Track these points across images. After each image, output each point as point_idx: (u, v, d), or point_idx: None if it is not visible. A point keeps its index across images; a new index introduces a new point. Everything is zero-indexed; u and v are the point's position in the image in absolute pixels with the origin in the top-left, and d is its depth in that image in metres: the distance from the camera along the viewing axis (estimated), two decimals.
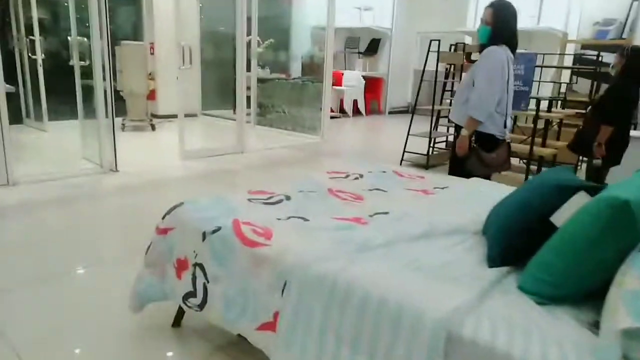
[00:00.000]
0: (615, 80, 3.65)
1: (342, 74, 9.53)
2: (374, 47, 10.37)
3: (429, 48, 5.40)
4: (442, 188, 2.29)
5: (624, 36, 7.44)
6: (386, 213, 1.86)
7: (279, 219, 1.76)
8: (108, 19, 4.23)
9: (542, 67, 5.74)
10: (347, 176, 2.49)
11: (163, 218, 1.93)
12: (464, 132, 2.75)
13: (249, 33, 6.14)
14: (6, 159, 3.81)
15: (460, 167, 2.83)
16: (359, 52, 10.24)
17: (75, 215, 3.45)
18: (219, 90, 9.39)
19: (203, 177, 4.69)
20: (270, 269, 1.49)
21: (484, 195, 2.11)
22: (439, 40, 5.36)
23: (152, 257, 1.92)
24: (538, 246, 1.33)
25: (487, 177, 2.84)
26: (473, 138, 2.76)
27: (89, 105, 4.87)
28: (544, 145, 4.50)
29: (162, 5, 7.56)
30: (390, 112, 10.72)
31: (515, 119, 5.02)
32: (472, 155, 2.75)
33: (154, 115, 7.40)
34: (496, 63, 2.68)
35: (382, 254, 1.45)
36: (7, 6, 6.26)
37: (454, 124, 3.01)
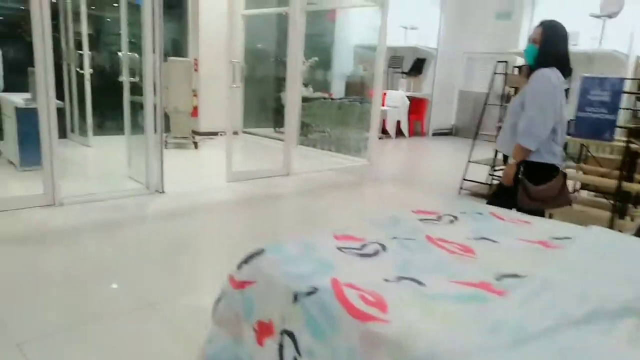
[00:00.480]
0: None
1: (385, 93, 9.24)
2: (418, 66, 10.07)
3: (494, 69, 5.03)
4: (562, 239, 1.93)
5: None
6: (516, 276, 1.51)
7: (386, 281, 1.44)
8: (160, 35, 4.06)
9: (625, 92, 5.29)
10: (440, 218, 2.15)
11: (239, 267, 1.63)
12: (512, 160, 2.59)
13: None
14: (54, 180, 3.63)
15: (503, 199, 2.59)
16: (403, 72, 9.95)
17: (121, 244, 3.21)
18: (260, 108, 9.24)
19: (252, 201, 4.43)
20: (393, 356, 1.16)
21: (627, 251, 1.73)
22: (506, 62, 5.00)
23: (224, 314, 1.62)
24: None
25: (540, 213, 2.59)
26: (521, 170, 2.56)
27: (135, 122, 4.71)
28: (629, 179, 4.06)
29: (207, 21, 7.46)
30: (434, 134, 10.33)
31: (565, 147, 4.60)
32: (519, 189, 2.56)
33: (195, 132, 7.25)
34: (547, 86, 2.49)
35: (544, 349, 1.10)
36: (57, 21, 6.25)
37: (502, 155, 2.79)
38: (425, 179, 6.23)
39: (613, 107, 3.89)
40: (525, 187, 2.54)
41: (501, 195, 2.71)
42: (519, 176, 2.56)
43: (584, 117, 4.04)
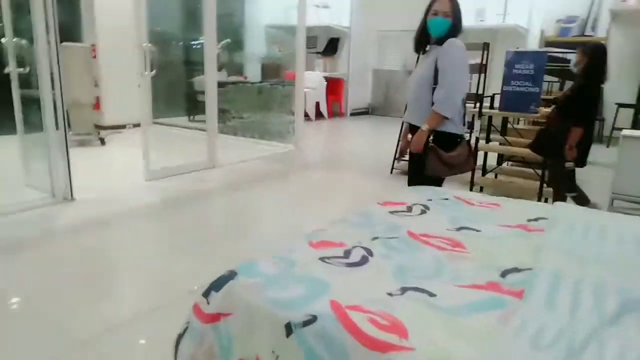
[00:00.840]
0: (579, 79, 3.49)
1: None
2: (333, 46, 9.95)
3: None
4: (537, 220, 1.87)
5: (586, 33, 7.52)
6: (517, 270, 1.39)
7: (391, 295, 1.25)
8: (55, 16, 3.45)
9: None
10: (410, 208, 2.00)
11: (207, 296, 1.34)
12: (425, 127, 2.53)
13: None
14: None
15: (419, 170, 2.60)
16: (318, 52, 9.77)
17: (26, 268, 2.69)
18: (170, 96, 8.56)
19: (179, 201, 4.01)
20: None
21: (605, 229, 1.70)
22: None
23: (194, 354, 1.33)
24: None
25: (440, 182, 2.69)
26: (431, 138, 2.54)
27: (28, 119, 4.04)
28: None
29: (103, 2, 6.67)
30: (352, 114, 10.34)
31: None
32: (430, 155, 2.53)
33: (99, 127, 6.50)
34: (463, 55, 2.54)
35: (599, 356, 0.98)
36: None
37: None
38: (355, 161, 6.15)
39: (537, 80, 4.02)
40: (438, 154, 2.53)
41: (416, 169, 2.68)
42: (430, 144, 2.53)
43: (509, 90, 4.15)
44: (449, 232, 1.73)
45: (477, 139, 4.35)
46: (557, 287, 1.26)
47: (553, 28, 7.74)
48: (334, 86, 9.89)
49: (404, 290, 1.27)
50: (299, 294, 1.23)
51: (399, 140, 5.16)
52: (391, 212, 1.94)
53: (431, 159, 2.54)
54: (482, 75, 5.28)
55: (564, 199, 3.55)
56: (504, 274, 1.39)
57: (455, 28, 2.55)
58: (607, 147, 6.87)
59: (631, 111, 7.00)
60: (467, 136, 2.72)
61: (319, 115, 9.47)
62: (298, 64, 6.11)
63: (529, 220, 1.87)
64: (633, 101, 7.04)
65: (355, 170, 5.55)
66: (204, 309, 1.34)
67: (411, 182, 2.73)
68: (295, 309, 1.18)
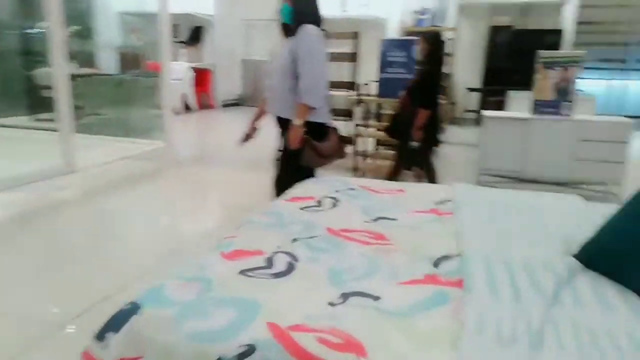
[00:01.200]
0: (425, 65, 3.67)
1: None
2: (196, 35, 9.40)
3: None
4: (444, 202, 1.88)
5: (437, 24, 8.17)
6: (448, 257, 1.35)
7: (333, 305, 1.10)
8: None
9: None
10: (320, 202, 1.87)
11: (100, 338, 1.06)
12: (297, 121, 2.40)
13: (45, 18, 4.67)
14: None
15: (292, 163, 2.50)
16: (181, 42, 9.16)
17: None
18: (3, 93, 7.29)
19: (31, 218, 3.36)
20: None
21: (511, 205, 1.77)
22: None
23: None
24: None
25: (311, 172, 2.59)
26: (304, 129, 2.44)
27: None
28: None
29: None
30: (223, 106, 9.94)
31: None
32: (305, 147, 2.44)
33: None
34: (319, 42, 2.42)
35: (559, 339, 0.95)
36: None
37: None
38: (233, 155, 5.84)
39: (409, 66, 4.20)
40: (314, 146, 2.45)
41: (288, 163, 2.55)
42: (305, 136, 2.42)
43: (385, 77, 4.28)
44: (367, 224, 1.64)
45: (357, 125, 4.42)
46: (492, 272, 1.24)
47: (410, 19, 8.27)
48: (201, 77, 9.36)
49: (345, 296, 1.14)
50: (226, 320, 1.02)
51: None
52: (302, 209, 1.79)
53: (307, 150, 2.44)
54: (354, 64, 5.41)
55: (398, 174, 3.74)
56: (436, 263, 1.33)
57: (302, 15, 2.43)
58: (461, 127, 7.59)
59: (478, 94, 7.82)
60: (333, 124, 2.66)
61: (187, 108, 8.91)
62: (163, 53, 5.58)
63: (437, 204, 1.87)
64: (480, 85, 7.87)
65: (235, 164, 5.28)
66: (98, 354, 1.05)
67: (282, 174, 2.61)
68: (225, 340, 0.97)
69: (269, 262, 1.31)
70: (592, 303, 1.10)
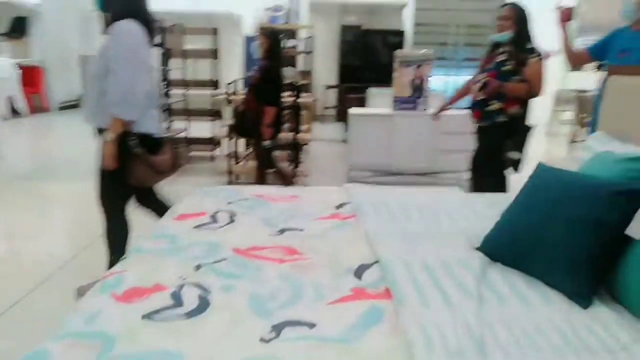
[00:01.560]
0: (264, 61, 3.57)
1: None
2: (20, 27, 8.07)
3: None
4: (343, 206, 1.85)
5: (291, 21, 8.28)
6: (367, 266, 1.31)
7: (265, 341, 0.97)
8: None
9: None
10: (214, 218, 1.69)
11: None
12: (109, 136, 2.00)
13: None
14: None
15: (116, 181, 2.10)
16: (1, 34, 7.79)
17: None
18: None
19: None
20: None
21: (407, 204, 1.81)
22: None
23: None
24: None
25: (150, 191, 2.29)
26: (134, 142, 2.05)
27: None
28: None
29: None
30: (61, 108, 8.73)
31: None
32: (138, 164, 2.08)
33: None
34: (133, 42, 2.03)
35: (504, 342, 0.96)
36: None
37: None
38: (79, 166, 5.10)
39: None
40: (148, 161, 2.08)
41: (111, 182, 2.13)
42: (136, 150, 2.06)
43: (251, 75, 4.14)
44: (273, 238, 1.53)
45: (230, 127, 4.23)
46: (414, 276, 1.23)
47: (265, 16, 8.21)
48: (30, 76, 8.06)
49: (277, 329, 1.02)
50: None
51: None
52: (196, 227, 1.60)
53: (137, 166, 2.06)
54: (215, 61, 5.17)
55: (264, 176, 3.68)
56: (357, 274, 1.28)
57: (115, 4, 2.07)
58: (322, 124, 7.82)
59: (336, 91, 8.13)
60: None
61: (15, 112, 7.62)
62: None
63: (336, 207, 1.84)
64: (336, 82, 8.18)
65: (83, 177, 4.63)
66: None
67: (105, 197, 2.17)
68: None
69: (177, 299, 1.12)
70: (510, 297, 1.16)
